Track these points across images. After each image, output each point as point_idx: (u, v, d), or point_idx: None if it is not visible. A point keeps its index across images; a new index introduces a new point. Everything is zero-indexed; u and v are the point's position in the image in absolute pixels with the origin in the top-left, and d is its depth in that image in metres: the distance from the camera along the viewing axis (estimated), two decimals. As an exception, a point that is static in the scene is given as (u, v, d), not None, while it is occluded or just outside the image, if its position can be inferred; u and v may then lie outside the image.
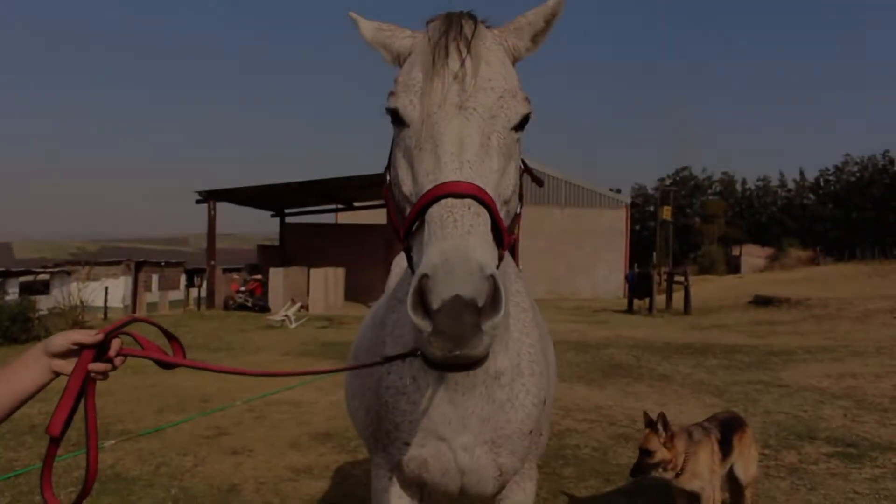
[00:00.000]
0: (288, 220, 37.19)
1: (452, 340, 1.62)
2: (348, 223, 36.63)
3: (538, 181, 2.34)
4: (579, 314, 25.85)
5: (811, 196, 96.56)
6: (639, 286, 26.64)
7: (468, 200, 1.74)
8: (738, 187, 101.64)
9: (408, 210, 1.89)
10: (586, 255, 40.44)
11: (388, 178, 2.12)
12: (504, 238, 1.84)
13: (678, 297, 27.45)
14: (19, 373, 1.88)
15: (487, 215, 1.76)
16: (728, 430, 5.18)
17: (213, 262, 28.61)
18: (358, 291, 28.87)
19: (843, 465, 6.75)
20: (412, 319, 1.66)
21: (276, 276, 27.00)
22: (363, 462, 6.95)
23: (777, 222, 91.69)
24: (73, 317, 20.14)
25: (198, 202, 28.66)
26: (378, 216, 33.32)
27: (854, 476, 6.43)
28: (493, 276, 1.62)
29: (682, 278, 27.46)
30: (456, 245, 1.64)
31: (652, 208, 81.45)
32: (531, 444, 2.60)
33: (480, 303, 1.60)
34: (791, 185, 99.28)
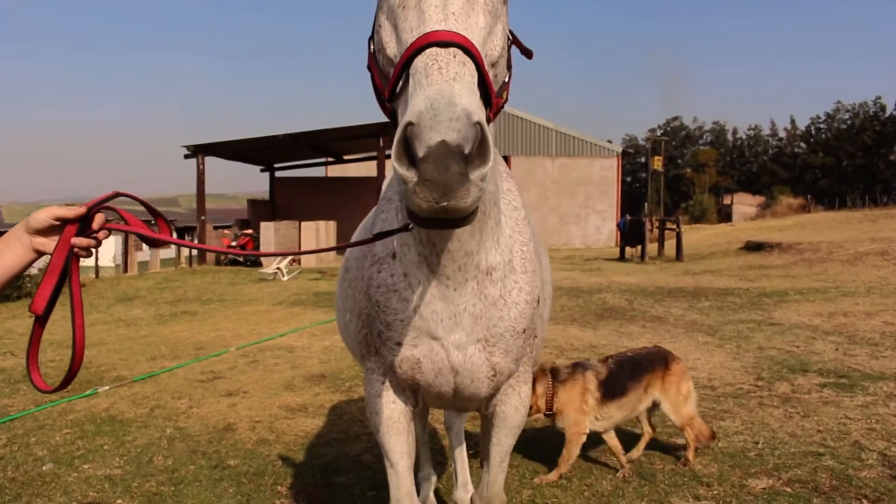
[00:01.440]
0: (278, 174, 36.90)
1: (439, 190, 1.57)
2: (338, 177, 36.37)
3: (527, 53, 2.26)
4: (571, 263, 25.87)
5: (802, 145, 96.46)
6: (630, 234, 26.63)
7: (453, 49, 1.70)
8: (729, 137, 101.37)
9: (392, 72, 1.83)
10: (578, 206, 40.34)
11: (371, 47, 2.05)
12: (492, 98, 1.79)
13: (670, 245, 27.48)
14: (2, 253, 1.82)
15: (473, 67, 1.71)
16: (634, 368, 4.97)
17: (203, 218, 28.40)
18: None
19: (836, 394, 6.79)
20: (397, 171, 1.61)
21: (268, 230, 26.85)
22: (358, 401, 6.95)
23: (768, 171, 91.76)
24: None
25: (186, 157, 28.33)
26: (368, 169, 33.04)
27: (846, 403, 6.46)
28: (479, 124, 1.57)
29: (673, 226, 27.46)
30: (440, 91, 1.59)
31: (643, 159, 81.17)
32: (525, 343, 2.55)
33: (467, 149, 1.55)
34: (782, 134, 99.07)
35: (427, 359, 2.42)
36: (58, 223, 1.82)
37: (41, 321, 1.88)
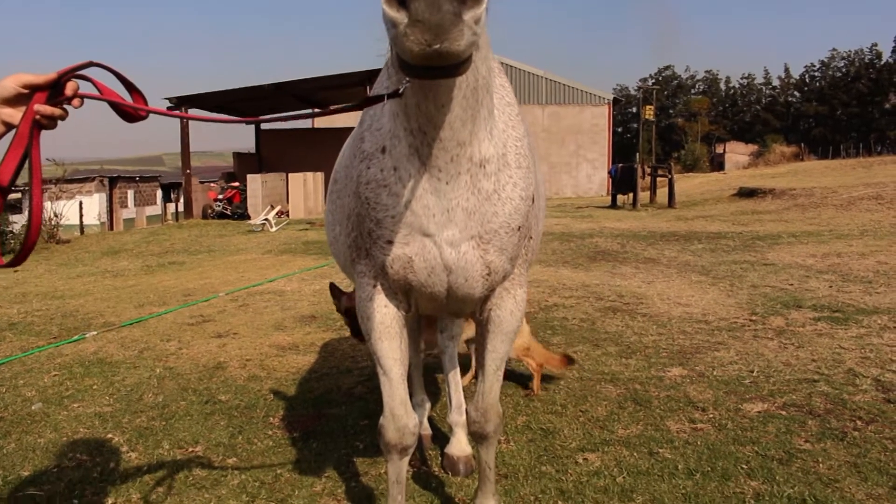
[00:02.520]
0: (263, 127, 36.37)
1: (431, 31, 1.48)
2: (325, 128, 35.89)
3: None
4: (562, 211, 25.76)
5: (796, 93, 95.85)
6: (622, 181, 26.45)
7: None
8: (722, 86, 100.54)
9: None
10: (568, 155, 40.03)
11: None
12: None
13: (662, 192, 27.34)
14: None
15: None
16: None
17: (189, 171, 28.03)
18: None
19: (830, 327, 6.76)
20: (386, 14, 1.50)
21: (255, 182, 26.54)
22: (349, 338, 6.88)
23: (761, 121, 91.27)
24: (49, 230, 19.81)
25: (169, 109, 27.84)
26: (356, 119, 32.46)
27: (840, 335, 6.44)
28: None
29: (665, 173, 27.30)
30: None
31: (634, 110, 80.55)
32: (520, 242, 2.45)
33: None
34: (776, 83, 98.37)
35: (419, 257, 2.33)
36: (27, 91, 1.68)
37: (2, 191, 1.75)
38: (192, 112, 28.03)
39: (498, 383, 2.78)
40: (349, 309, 4.56)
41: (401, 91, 1.92)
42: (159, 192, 48.16)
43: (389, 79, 2.15)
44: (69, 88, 1.73)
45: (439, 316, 4.28)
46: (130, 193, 46.01)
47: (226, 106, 30.85)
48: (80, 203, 28.72)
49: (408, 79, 1.84)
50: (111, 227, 28.96)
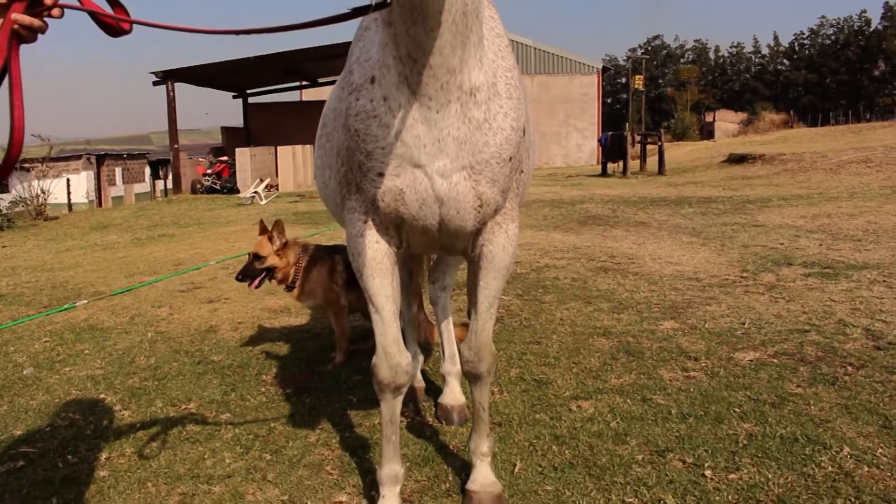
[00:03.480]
0: (251, 100, 36.05)
1: None
2: (313, 100, 35.57)
3: None
4: (553, 179, 25.72)
5: (785, 62, 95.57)
6: (612, 149, 26.40)
7: None
8: (711, 55, 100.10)
9: None
10: (558, 124, 39.87)
11: None
12: None
13: (652, 160, 27.31)
14: None
15: None
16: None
17: (176, 146, 27.78)
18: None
19: (820, 282, 6.78)
20: None
21: (243, 156, 26.36)
22: (342, 301, 6.87)
23: (750, 89, 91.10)
24: (37, 208, 19.65)
25: (155, 84, 27.50)
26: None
27: (830, 289, 6.46)
28: None
29: (655, 140, 27.25)
30: None
31: (624, 80, 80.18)
32: (511, 174, 2.43)
33: None
34: (765, 51, 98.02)
35: (410, 189, 2.30)
36: (4, 2, 1.62)
37: None
38: (179, 87, 27.77)
39: (491, 321, 2.76)
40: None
41: (389, 0, 1.88)
42: (147, 169, 47.62)
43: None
44: None
45: (428, 268, 4.26)
46: (118, 171, 45.49)
47: (212, 79, 30.54)
48: (68, 181, 28.43)
49: None
50: (100, 205, 28.66)
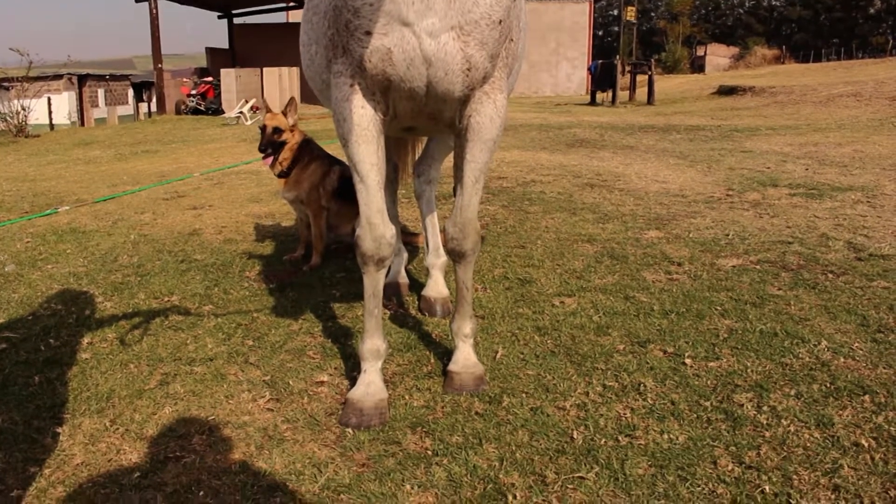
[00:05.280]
0: (236, 21, 35.10)
1: None
2: (300, 22, 34.65)
3: None
4: (541, 107, 25.42)
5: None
6: (602, 77, 26.04)
7: None
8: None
9: None
10: (548, 53, 39.18)
11: None
12: None
13: (641, 91, 27.00)
14: None
15: None
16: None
17: (160, 66, 27.09)
18: (313, 91, 27.70)
19: (804, 201, 6.80)
20: None
21: (228, 77, 25.77)
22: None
23: (743, 24, 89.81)
24: (17, 125, 19.26)
25: (137, 1, 26.67)
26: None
27: (815, 207, 6.48)
28: None
29: (645, 70, 26.91)
30: None
31: (615, 11, 78.67)
32: (501, 38, 2.37)
33: None
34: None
35: (398, 48, 2.24)
36: None
37: None
38: (163, 5, 26.94)
39: (477, 196, 2.73)
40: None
41: None
42: (131, 91, 46.64)
43: None
44: None
45: (413, 162, 4.21)
46: (101, 92, 44.55)
47: (196, -2, 29.64)
48: (49, 99, 27.83)
49: None
50: (82, 125, 28.16)
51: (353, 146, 2.50)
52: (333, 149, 5.11)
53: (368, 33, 2.25)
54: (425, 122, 2.58)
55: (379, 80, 2.36)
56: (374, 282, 2.77)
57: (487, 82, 2.47)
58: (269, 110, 4.86)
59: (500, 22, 2.31)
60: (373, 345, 2.82)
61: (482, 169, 2.65)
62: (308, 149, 4.89)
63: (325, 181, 4.86)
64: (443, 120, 2.59)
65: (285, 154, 4.76)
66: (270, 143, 4.71)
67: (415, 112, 2.55)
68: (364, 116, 2.46)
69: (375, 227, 2.64)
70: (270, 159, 4.75)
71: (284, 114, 4.78)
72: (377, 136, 2.51)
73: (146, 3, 26.51)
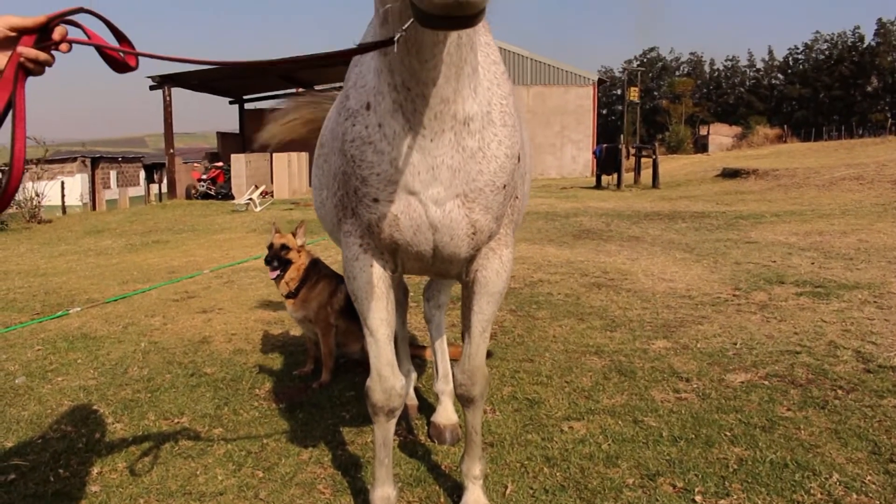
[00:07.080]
0: (247, 106, 36.08)
1: None
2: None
3: None
4: (547, 191, 25.81)
5: (779, 76, 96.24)
6: (607, 161, 26.50)
7: None
8: (707, 68, 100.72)
9: None
10: (553, 135, 39.98)
11: None
12: None
13: (646, 173, 27.43)
14: None
15: None
16: None
17: (172, 151, 27.74)
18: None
19: (811, 302, 6.83)
20: None
21: (238, 162, 26.33)
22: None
23: (745, 103, 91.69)
24: (30, 210, 19.62)
25: (152, 88, 27.45)
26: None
27: (822, 309, 6.50)
28: None
29: (649, 153, 27.36)
30: None
31: (619, 91, 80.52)
32: (505, 201, 2.46)
33: None
34: (760, 65, 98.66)
35: (405, 215, 2.33)
36: (14, 35, 1.64)
37: None
38: (176, 91, 27.75)
39: (484, 345, 2.79)
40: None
41: (396, 39, 1.90)
42: (142, 173, 47.69)
43: (376, 32, 2.13)
44: (57, 33, 1.69)
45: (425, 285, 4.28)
46: (113, 174, 45.61)
47: (209, 85, 30.53)
48: (62, 183, 28.41)
49: (403, 29, 1.84)
50: (94, 208, 28.67)
51: (362, 303, 2.57)
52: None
53: (376, 200, 2.35)
54: (433, 276, 2.65)
55: (387, 243, 2.44)
56: (384, 432, 2.80)
57: (494, 239, 2.56)
58: (277, 231, 4.98)
59: (505, 186, 2.41)
60: (383, 493, 2.84)
61: (489, 319, 2.72)
62: (315, 269, 5.00)
63: (332, 300, 4.95)
64: (450, 274, 2.68)
65: (292, 274, 4.87)
66: (277, 258, 4.85)
67: (423, 269, 2.65)
68: (373, 275, 2.54)
69: (386, 379, 2.69)
70: (276, 273, 4.86)
71: (294, 234, 4.90)
72: (386, 293, 2.59)
73: (160, 91, 27.29)
